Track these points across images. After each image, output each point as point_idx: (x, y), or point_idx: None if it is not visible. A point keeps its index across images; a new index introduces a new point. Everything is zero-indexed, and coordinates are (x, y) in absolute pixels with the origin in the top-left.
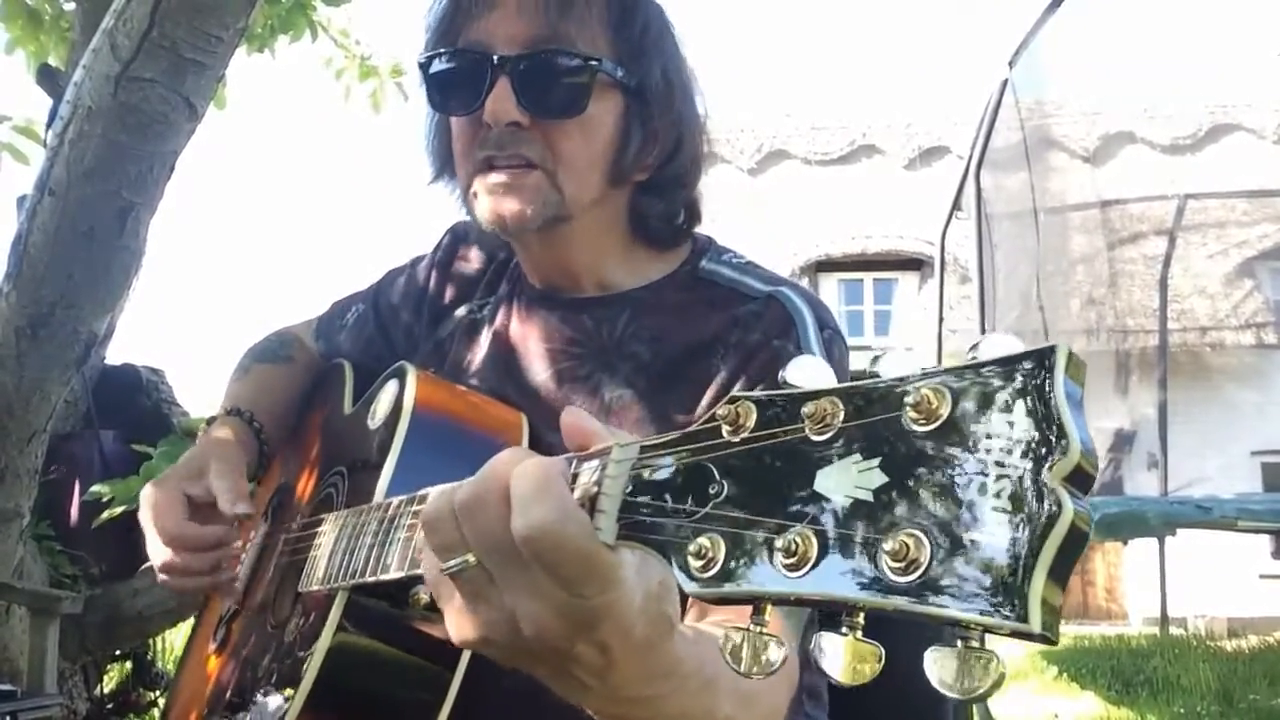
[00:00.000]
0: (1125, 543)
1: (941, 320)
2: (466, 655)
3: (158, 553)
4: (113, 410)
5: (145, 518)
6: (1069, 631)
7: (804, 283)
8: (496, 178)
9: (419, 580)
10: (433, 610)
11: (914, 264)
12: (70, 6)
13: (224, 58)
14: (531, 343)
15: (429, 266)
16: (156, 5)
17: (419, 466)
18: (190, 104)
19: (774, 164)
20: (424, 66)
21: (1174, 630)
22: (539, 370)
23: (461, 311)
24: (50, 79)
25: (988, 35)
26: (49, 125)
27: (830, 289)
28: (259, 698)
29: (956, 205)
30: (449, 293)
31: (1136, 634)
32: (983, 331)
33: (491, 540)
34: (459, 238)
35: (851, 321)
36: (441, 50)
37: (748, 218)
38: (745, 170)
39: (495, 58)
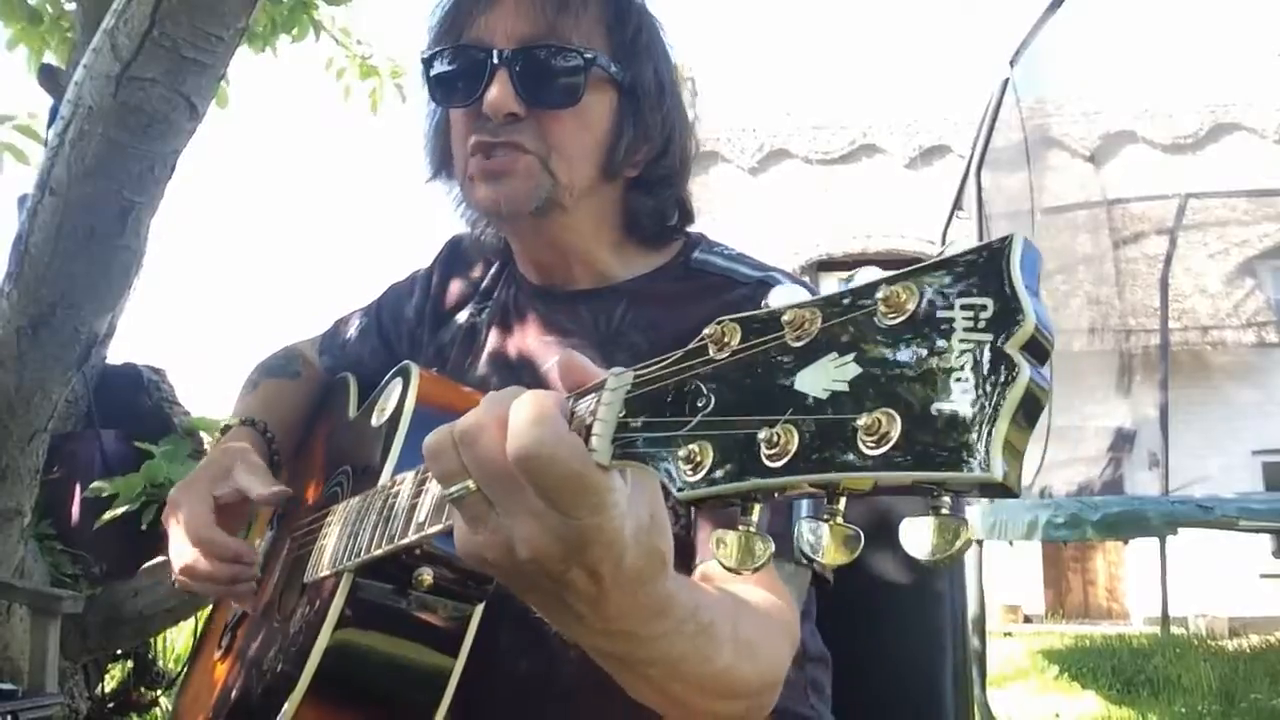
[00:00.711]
0: (1126, 542)
1: None
2: (469, 640)
3: (181, 554)
4: (114, 410)
5: (171, 518)
6: (1070, 631)
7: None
8: (490, 163)
9: (423, 560)
10: (436, 592)
11: (915, 263)
12: (71, 6)
13: (225, 57)
14: (530, 338)
15: (429, 275)
16: (157, 5)
17: (421, 459)
18: (191, 103)
19: (775, 163)
20: (426, 63)
21: (1175, 630)
22: (540, 365)
23: (462, 317)
24: (51, 78)
25: (988, 35)
26: (50, 125)
27: (831, 288)
28: (259, 700)
29: (957, 205)
30: (449, 300)
31: (1137, 633)
32: None
33: (489, 465)
34: (458, 248)
35: None
36: (444, 47)
37: (748, 217)
38: (746, 170)
39: (495, 52)
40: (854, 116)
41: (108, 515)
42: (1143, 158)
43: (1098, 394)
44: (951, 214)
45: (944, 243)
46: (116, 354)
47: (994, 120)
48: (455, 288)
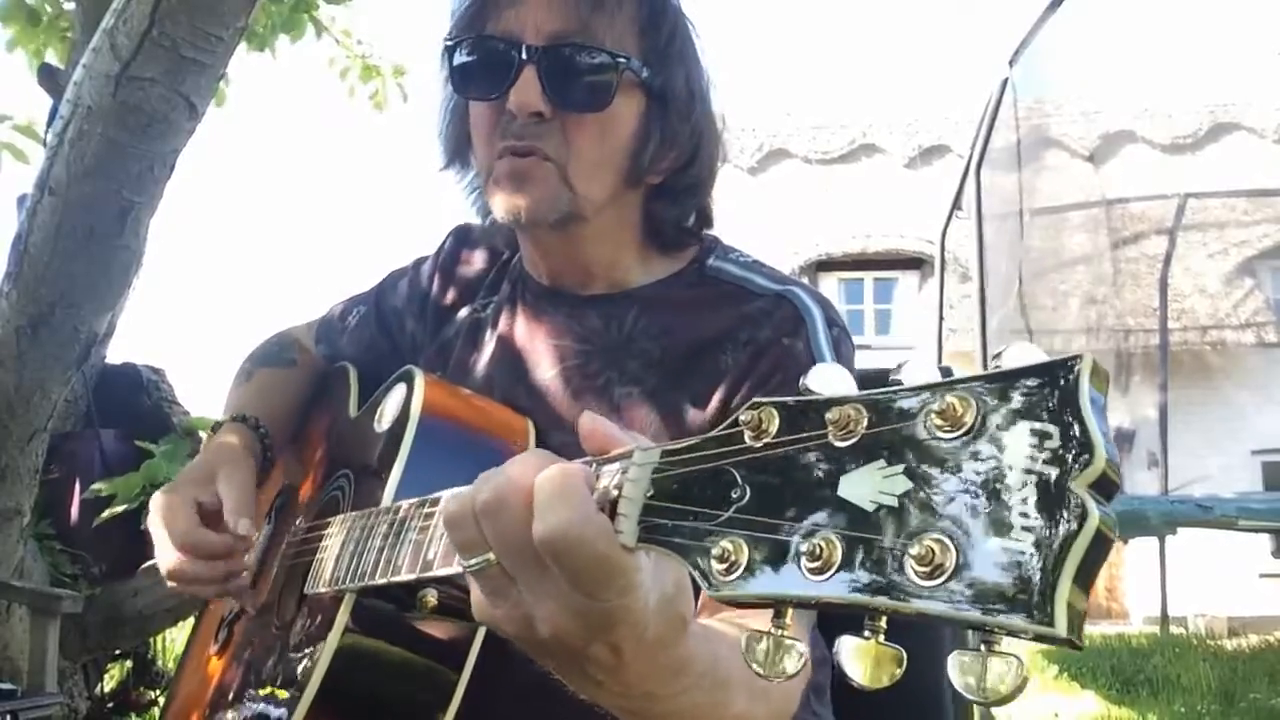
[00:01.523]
0: (1126, 542)
1: (942, 319)
2: (473, 657)
3: (167, 558)
4: (113, 409)
5: (155, 522)
6: None
7: (804, 282)
8: (511, 167)
9: (427, 583)
10: (440, 613)
11: (914, 263)
12: (70, 6)
13: (224, 57)
14: (538, 341)
15: (432, 268)
16: (156, 4)
17: (426, 471)
18: (190, 103)
19: (774, 163)
20: (449, 50)
21: (1174, 629)
22: (546, 368)
23: (464, 312)
24: (51, 78)
25: (988, 35)
26: (49, 124)
27: (831, 288)
28: (257, 704)
29: (957, 204)
30: (452, 294)
31: (1137, 633)
32: (983, 330)
33: (511, 542)
34: (461, 239)
35: (852, 321)
36: (469, 35)
37: (748, 217)
38: (746, 169)
39: (524, 47)
40: (854, 116)
41: (106, 514)
42: (1142, 157)
43: None
44: (951, 214)
45: (944, 244)
46: (116, 354)
47: (993, 120)
48: (458, 280)
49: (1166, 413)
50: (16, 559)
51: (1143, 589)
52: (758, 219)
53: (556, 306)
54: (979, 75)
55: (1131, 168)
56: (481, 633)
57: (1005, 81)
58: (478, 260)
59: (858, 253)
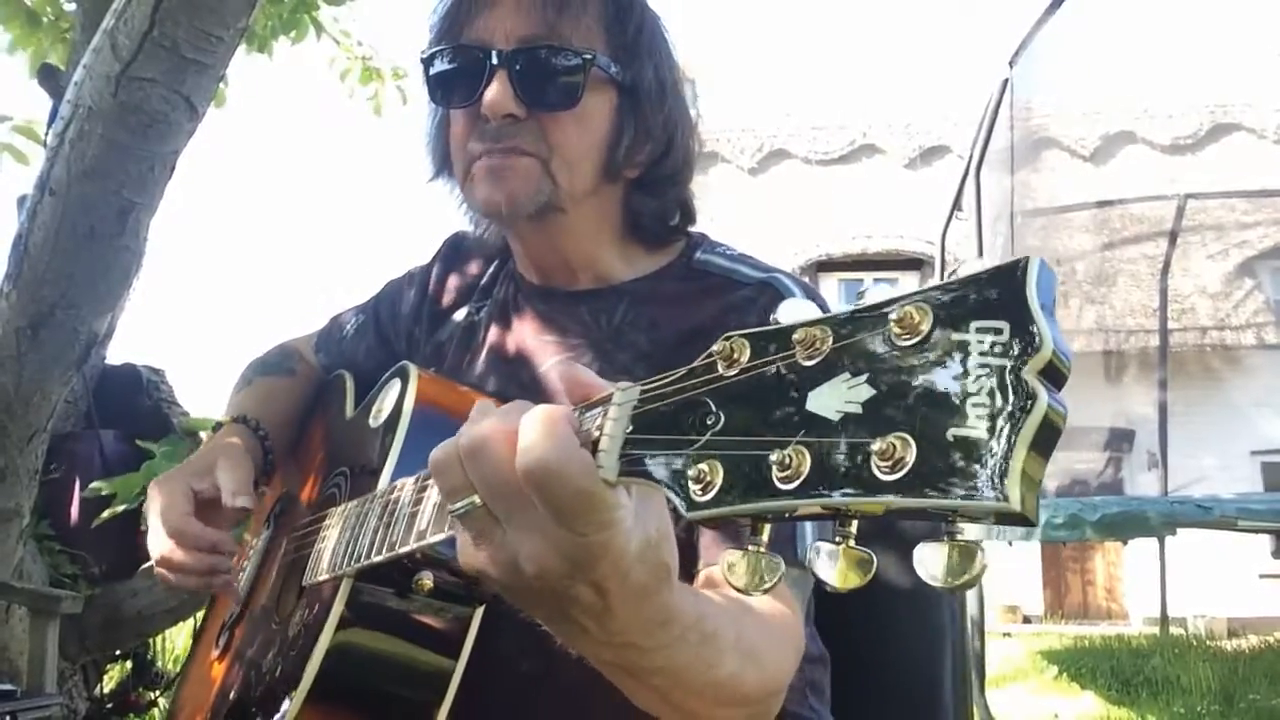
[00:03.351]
0: (1125, 542)
1: None
2: (469, 644)
3: (158, 545)
4: (113, 410)
5: (150, 510)
6: (1069, 631)
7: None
8: (490, 162)
9: (423, 564)
10: (436, 596)
11: (914, 264)
12: (70, 7)
13: (225, 57)
14: (529, 338)
15: (428, 273)
16: (157, 5)
17: (421, 461)
18: (191, 104)
19: (774, 164)
20: (426, 63)
21: (1174, 630)
22: (538, 364)
23: (460, 315)
24: (51, 79)
25: (988, 35)
26: (49, 125)
27: (831, 289)
28: (258, 702)
29: (957, 205)
30: (447, 298)
31: (1136, 634)
32: None
33: (495, 480)
34: (457, 246)
35: None
36: (443, 46)
37: (748, 217)
38: (745, 170)
39: (494, 53)
40: (853, 117)
41: (106, 514)
42: (1142, 158)
43: (1098, 394)
44: (951, 214)
45: (944, 245)
46: (116, 354)
47: (993, 121)
48: (454, 286)
49: (1166, 413)
50: (16, 559)
51: (1142, 589)
52: (757, 219)
53: (546, 303)
54: (979, 76)
55: (1131, 168)
56: (478, 619)
57: (1005, 82)
58: (472, 266)
59: (858, 253)
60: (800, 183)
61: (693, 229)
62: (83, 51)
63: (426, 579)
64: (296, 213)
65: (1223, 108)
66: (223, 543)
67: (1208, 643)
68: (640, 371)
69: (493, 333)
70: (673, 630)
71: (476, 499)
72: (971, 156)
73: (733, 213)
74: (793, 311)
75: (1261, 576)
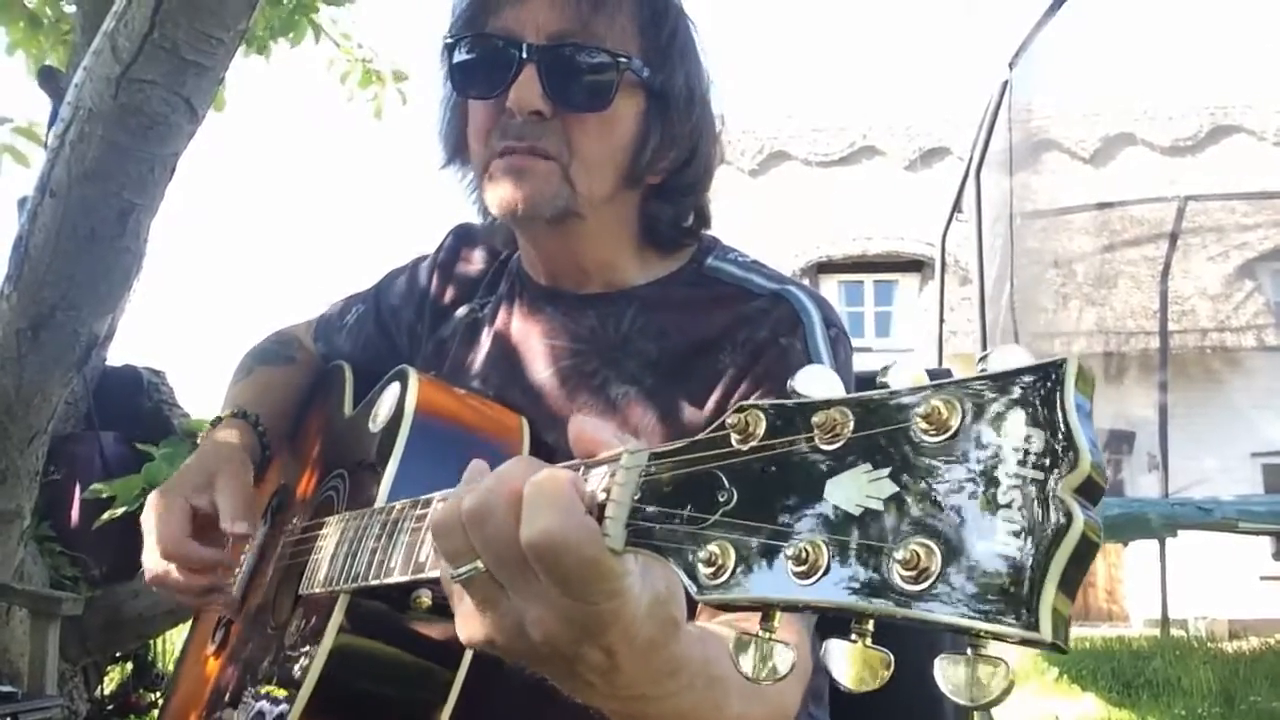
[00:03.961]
0: (1126, 544)
1: (942, 322)
2: (468, 656)
3: (153, 563)
4: (113, 411)
5: (148, 525)
6: (1070, 633)
7: (804, 282)
8: (510, 163)
9: (421, 584)
10: (434, 613)
11: (914, 265)
12: (70, 9)
13: (224, 59)
14: (534, 340)
15: (430, 267)
16: (157, 7)
17: (420, 470)
18: (191, 105)
19: (775, 165)
20: (449, 48)
21: (1175, 632)
22: (542, 368)
23: (462, 311)
24: (52, 80)
25: (988, 36)
26: (50, 127)
27: (831, 290)
28: (254, 703)
29: (957, 207)
30: (450, 293)
31: (1137, 635)
32: (983, 332)
33: (500, 548)
34: (461, 239)
35: (852, 323)
36: (470, 33)
37: (748, 219)
38: (746, 171)
39: (525, 45)
40: (854, 118)
41: (106, 516)
42: (1142, 160)
43: (1097, 396)
44: (951, 216)
45: (944, 246)
46: (116, 356)
47: (993, 122)
48: (456, 280)
49: (1167, 415)
50: (17, 561)
51: (1143, 591)
52: (758, 221)
53: (554, 305)
54: (979, 78)
55: (1131, 170)
56: None
57: (1005, 84)
58: (477, 260)
59: (858, 255)
60: (800, 184)
61: (704, 232)
62: (83, 53)
63: (425, 597)
64: (296, 214)
65: (1223, 109)
66: (221, 562)
67: (1208, 644)
68: (648, 379)
69: (497, 331)
70: (681, 679)
71: (480, 564)
72: (971, 158)
73: (733, 214)
74: (810, 381)
75: (1262, 578)
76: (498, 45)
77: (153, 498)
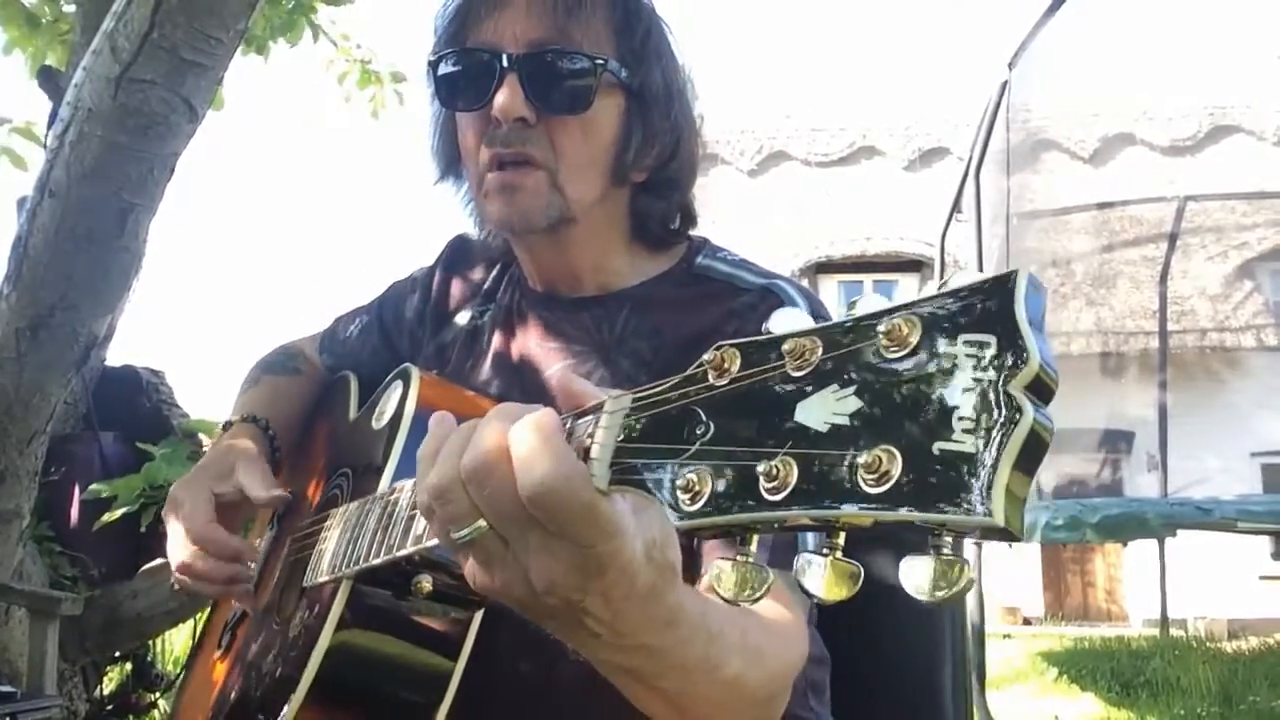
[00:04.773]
0: (1125, 544)
1: None
2: (470, 643)
3: (179, 551)
4: (113, 412)
5: (171, 515)
6: (1069, 633)
7: (804, 284)
8: (502, 178)
9: (422, 568)
10: (435, 599)
11: (914, 265)
12: (70, 9)
13: (224, 59)
14: (533, 344)
15: (431, 276)
16: (156, 7)
17: None
18: (190, 105)
19: (774, 165)
20: (434, 65)
21: (1174, 632)
22: (542, 370)
23: (463, 319)
24: (51, 80)
25: (987, 37)
26: (49, 127)
27: (830, 290)
28: (259, 702)
29: (956, 207)
30: (451, 300)
31: (1136, 635)
32: None
33: (503, 504)
34: (460, 248)
35: None
36: (452, 49)
37: (748, 219)
38: (745, 172)
39: (504, 56)
40: (853, 119)
41: (106, 517)
42: (1141, 160)
43: (1097, 396)
44: (950, 216)
45: (943, 246)
46: (116, 356)
47: (993, 122)
48: (457, 288)
49: (1166, 415)
50: (16, 561)
51: (1142, 591)
52: (757, 221)
53: (550, 310)
54: (978, 78)
55: (1131, 170)
56: (477, 620)
57: (1004, 84)
58: (476, 268)
59: (857, 255)
60: (800, 184)
61: (694, 233)
62: (82, 53)
63: (425, 582)
64: (294, 214)
65: (1222, 110)
66: (245, 551)
67: (1208, 644)
68: (644, 378)
69: (497, 338)
70: (680, 630)
71: (483, 524)
72: (971, 158)
73: (732, 214)
74: (785, 321)
75: (1261, 578)
76: (480, 58)
77: (175, 490)
